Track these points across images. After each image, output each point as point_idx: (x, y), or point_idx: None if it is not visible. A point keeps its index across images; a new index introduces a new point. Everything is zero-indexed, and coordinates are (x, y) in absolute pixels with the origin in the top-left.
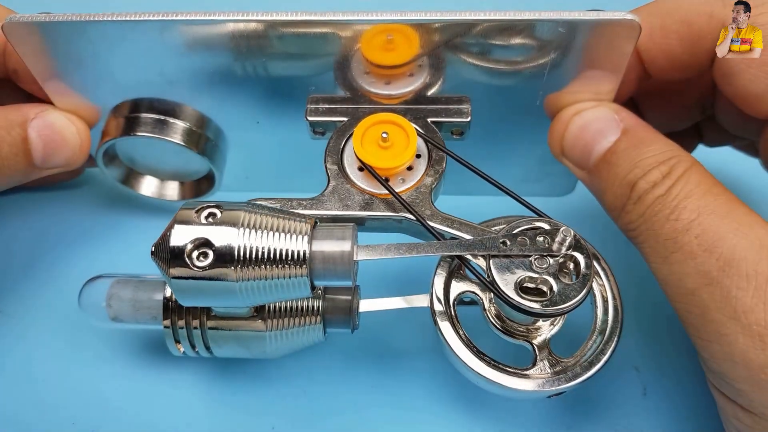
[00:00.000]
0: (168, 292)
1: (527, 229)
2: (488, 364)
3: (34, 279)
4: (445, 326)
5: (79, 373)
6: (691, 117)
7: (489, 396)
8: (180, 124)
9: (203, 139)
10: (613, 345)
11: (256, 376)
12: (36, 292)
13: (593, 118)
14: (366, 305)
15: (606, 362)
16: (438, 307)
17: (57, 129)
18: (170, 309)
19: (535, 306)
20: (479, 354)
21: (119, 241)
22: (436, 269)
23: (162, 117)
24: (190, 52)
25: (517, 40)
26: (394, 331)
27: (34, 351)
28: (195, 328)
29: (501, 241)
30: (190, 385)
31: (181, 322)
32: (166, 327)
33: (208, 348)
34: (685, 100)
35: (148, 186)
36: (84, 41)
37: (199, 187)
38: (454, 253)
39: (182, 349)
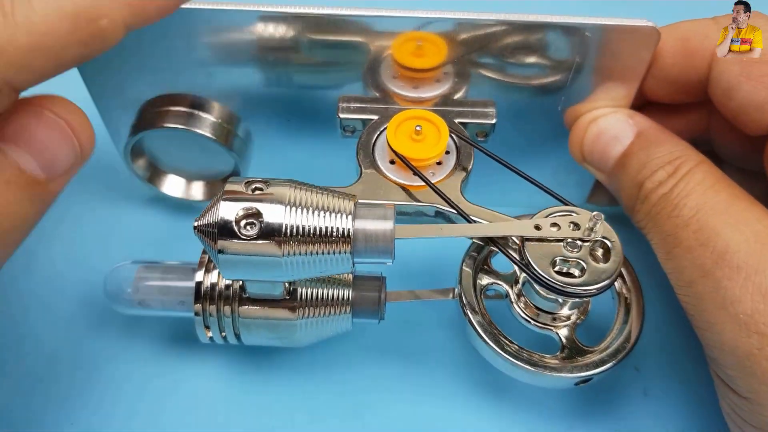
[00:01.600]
0: (200, 277)
1: (558, 216)
2: (518, 351)
3: (53, 271)
4: (474, 316)
5: (91, 361)
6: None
7: (502, 391)
8: (210, 119)
9: (232, 134)
10: (637, 333)
11: (278, 366)
12: (56, 282)
13: (609, 124)
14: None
15: (631, 350)
16: (466, 297)
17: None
18: (202, 294)
19: (571, 285)
20: (509, 342)
21: (138, 237)
22: (463, 262)
23: (192, 111)
24: (226, 56)
25: (536, 54)
26: (417, 323)
27: (55, 334)
28: (227, 316)
29: (534, 225)
30: (211, 374)
31: (212, 308)
32: (197, 312)
33: (237, 335)
34: (675, 128)
35: (171, 185)
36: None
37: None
38: (490, 234)
39: (210, 335)
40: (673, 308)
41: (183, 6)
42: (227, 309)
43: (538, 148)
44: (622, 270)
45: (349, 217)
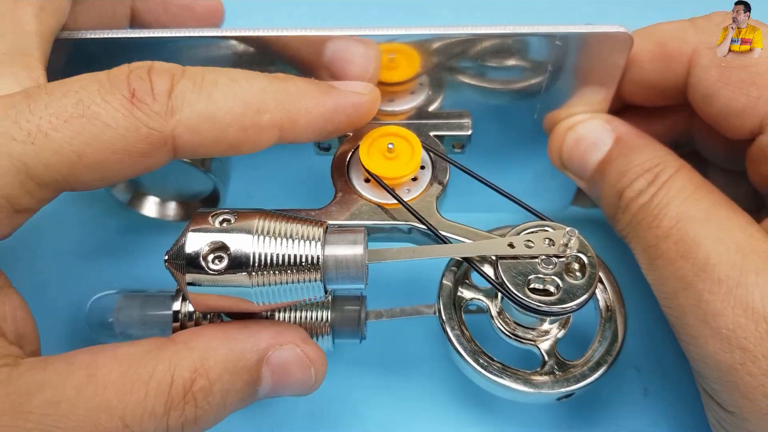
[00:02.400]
0: (177, 306)
1: (532, 232)
2: (498, 369)
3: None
4: (455, 333)
5: None
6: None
7: (493, 400)
8: None
9: (209, 158)
10: (618, 346)
11: None
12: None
13: (587, 130)
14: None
15: (613, 363)
16: (446, 314)
17: (294, 371)
18: (180, 322)
19: (546, 305)
20: (489, 359)
21: (120, 260)
22: (443, 277)
23: None
24: None
25: (513, 58)
26: (400, 339)
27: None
28: None
29: (508, 243)
30: None
31: None
32: None
33: None
34: (656, 131)
35: (151, 207)
36: (101, 57)
37: (202, 206)
38: (463, 255)
39: None
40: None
41: (151, 35)
42: None
43: (520, 152)
44: (603, 279)
45: (318, 243)
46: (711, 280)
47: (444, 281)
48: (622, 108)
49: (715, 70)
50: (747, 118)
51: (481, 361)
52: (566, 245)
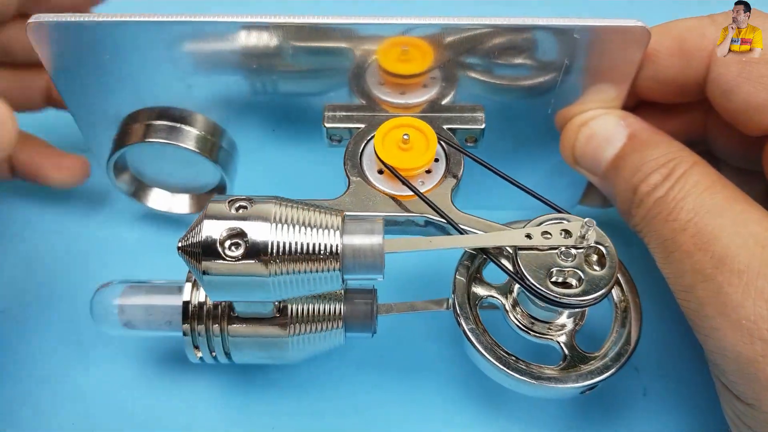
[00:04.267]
0: (186, 296)
1: (549, 224)
2: (523, 366)
3: (42, 290)
4: (471, 329)
5: (85, 379)
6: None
7: (498, 398)
8: (193, 132)
9: (216, 146)
10: (636, 335)
11: (270, 383)
12: (44, 302)
13: (600, 126)
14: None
15: (633, 352)
16: (460, 308)
17: None
18: (189, 313)
19: (569, 297)
20: (506, 354)
21: (126, 253)
22: (456, 272)
23: (175, 124)
24: (208, 66)
25: (527, 53)
26: (410, 334)
27: (46, 357)
28: (216, 335)
29: (526, 234)
30: (202, 392)
31: (201, 327)
32: (185, 332)
33: (227, 354)
34: (671, 128)
35: (156, 199)
36: (107, 44)
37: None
38: (480, 245)
39: (200, 355)
40: (672, 308)
41: (161, 19)
42: (216, 328)
43: (530, 150)
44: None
45: (337, 232)
46: (730, 271)
47: (458, 276)
48: (637, 105)
49: (735, 65)
50: (767, 113)
51: (502, 357)
52: (583, 237)
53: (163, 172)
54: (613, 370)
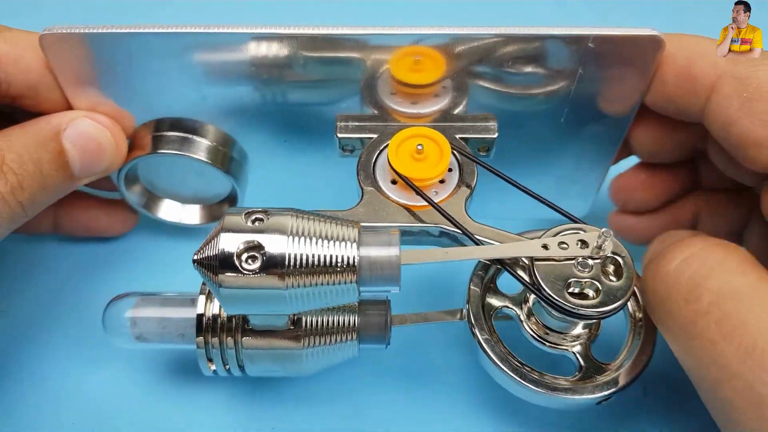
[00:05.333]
0: (201, 309)
1: (565, 234)
2: (535, 376)
3: (52, 301)
4: (486, 339)
5: (95, 390)
6: (683, 153)
7: (507, 407)
8: (204, 142)
9: (227, 157)
10: (652, 343)
11: (283, 396)
12: (54, 313)
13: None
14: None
15: (649, 361)
16: (475, 318)
17: (91, 136)
18: (203, 326)
19: (586, 307)
20: (520, 365)
21: (137, 263)
22: (470, 281)
23: (187, 135)
24: (219, 77)
25: (541, 62)
26: (423, 345)
27: (54, 368)
28: (230, 348)
29: (542, 245)
30: (214, 406)
31: (215, 340)
32: (199, 345)
33: (241, 366)
34: (677, 137)
35: (168, 210)
36: (120, 55)
37: (220, 210)
38: (496, 256)
39: (213, 368)
40: None
41: (172, 30)
42: (230, 341)
43: (541, 158)
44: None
45: (354, 244)
46: (761, 368)
47: (472, 287)
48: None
49: (737, 100)
50: (766, 150)
51: (521, 369)
52: (600, 247)
53: (174, 182)
54: (629, 380)
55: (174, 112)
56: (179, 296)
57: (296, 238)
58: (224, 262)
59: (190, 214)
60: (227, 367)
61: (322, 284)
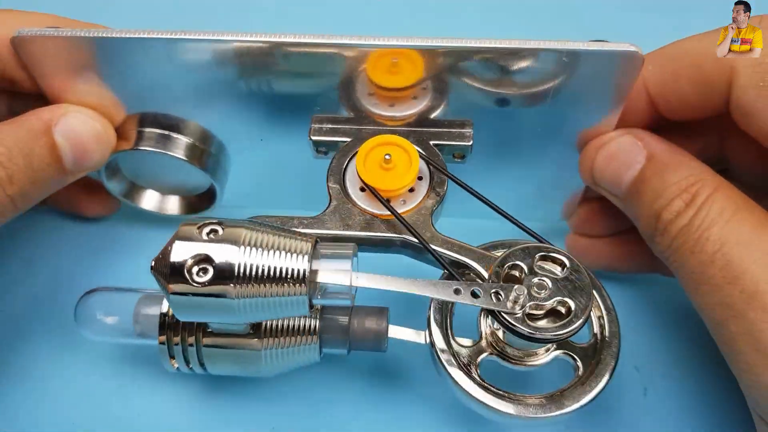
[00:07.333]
0: (165, 308)
1: (513, 265)
2: (503, 397)
3: (32, 291)
4: (449, 362)
5: (75, 384)
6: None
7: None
8: (183, 140)
9: (206, 154)
10: (615, 355)
11: (249, 395)
12: (34, 303)
13: (618, 147)
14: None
15: (611, 375)
16: (438, 343)
17: (82, 130)
18: (166, 324)
19: (548, 332)
20: (496, 390)
21: (119, 254)
22: (431, 303)
23: (165, 132)
24: (196, 69)
25: (520, 68)
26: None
27: (42, 359)
28: (191, 345)
29: (454, 289)
30: (182, 399)
31: (177, 339)
32: (161, 343)
33: (202, 365)
34: (695, 144)
35: (149, 200)
36: (92, 56)
37: (200, 202)
38: (450, 299)
39: (176, 365)
40: (673, 308)
41: (148, 36)
42: (191, 339)
43: (523, 161)
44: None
45: (305, 257)
46: (763, 308)
47: (433, 307)
48: (658, 125)
49: (753, 90)
50: None
51: (490, 396)
52: (514, 302)
53: (155, 175)
54: (591, 396)
55: (150, 108)
56: (151, 293)
57: (248, 249)
58: (175, 272)
59: (171, 205)
60: (189, 365)
61: (272, 296)
